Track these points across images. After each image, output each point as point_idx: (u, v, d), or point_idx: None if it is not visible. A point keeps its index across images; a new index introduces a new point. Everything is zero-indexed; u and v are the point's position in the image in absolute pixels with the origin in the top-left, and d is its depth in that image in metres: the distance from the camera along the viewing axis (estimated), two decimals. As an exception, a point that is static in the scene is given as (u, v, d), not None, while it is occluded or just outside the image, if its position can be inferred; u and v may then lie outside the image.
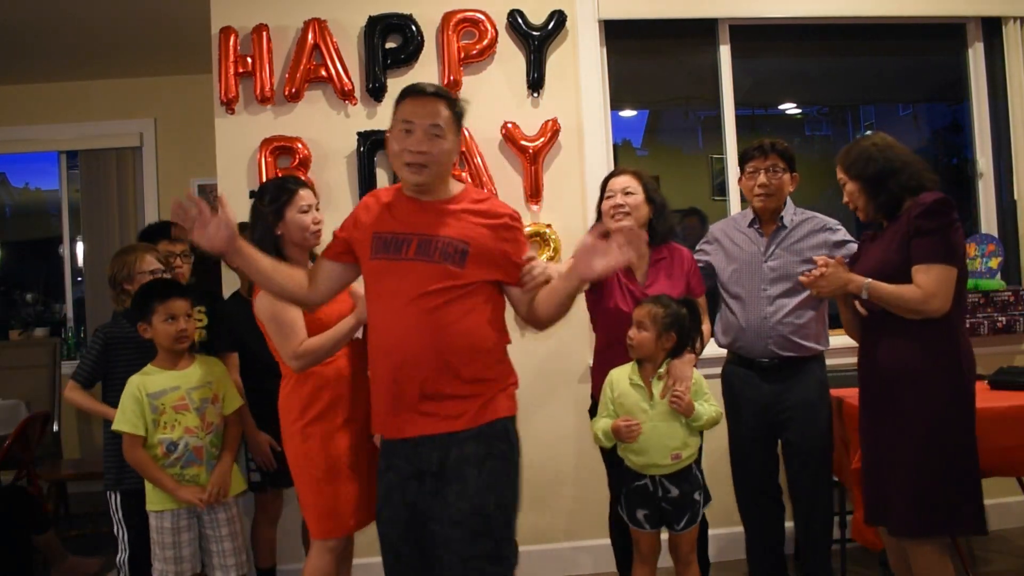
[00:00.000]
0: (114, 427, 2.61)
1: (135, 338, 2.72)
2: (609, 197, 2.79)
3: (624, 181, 2.79)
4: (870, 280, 2.34)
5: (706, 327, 2.80)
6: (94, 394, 2.88)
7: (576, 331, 3.06)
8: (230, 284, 3.39)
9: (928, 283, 2.27)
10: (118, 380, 2.75)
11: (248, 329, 2.73)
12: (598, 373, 2.79)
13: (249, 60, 3.45)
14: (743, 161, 2.97)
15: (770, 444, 2.92)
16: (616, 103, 3.83)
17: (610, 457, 2.74)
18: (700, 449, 2.65)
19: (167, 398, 2.60)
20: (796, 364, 2.85)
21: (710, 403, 2.61)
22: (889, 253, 2.37)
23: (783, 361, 2.85)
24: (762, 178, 2.88)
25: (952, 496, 2.30)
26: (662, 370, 2.59)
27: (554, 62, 3.60)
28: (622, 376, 2.64)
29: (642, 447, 2.55)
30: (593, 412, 2.82)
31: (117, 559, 2.76)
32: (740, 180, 3.00)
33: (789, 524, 3.00)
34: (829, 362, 2.99)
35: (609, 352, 2.77)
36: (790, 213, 2.95)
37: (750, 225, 2.98)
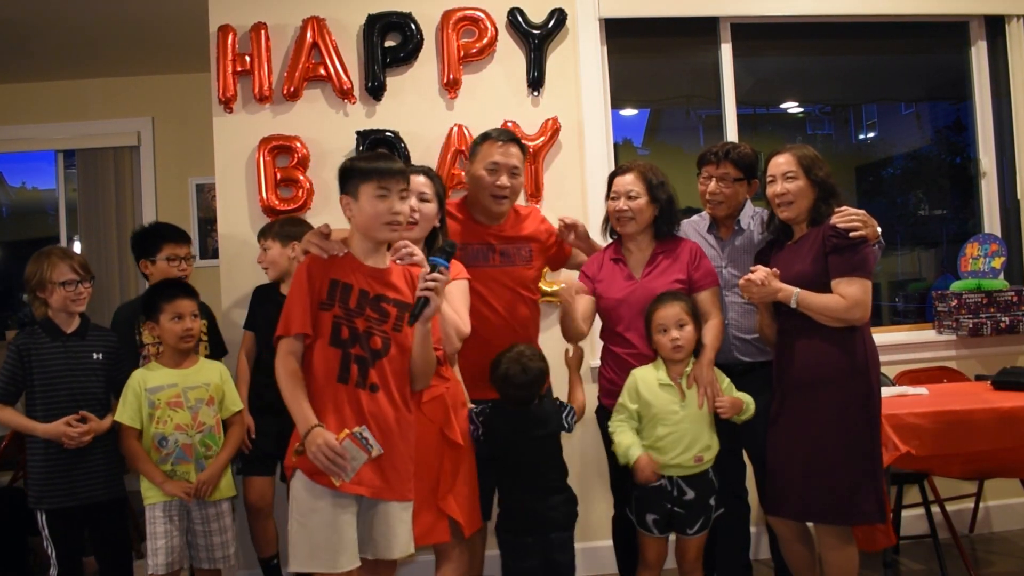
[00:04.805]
0: (115, 418, 2.67)
1: (53, 346, 2.70)
2: (614, 198, 2.75)
3: (628, 183, 2.72)
4: (799, 290, 2.49)
5: (716, 320, 2.70)
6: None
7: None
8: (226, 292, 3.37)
9: (852, 293, 2.46)
10: (38, 391, 2.69)
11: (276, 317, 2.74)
12: (606, 371, 2.76)
13: (247, 59, 3.43)
14: (699, 164, 2.89)
15: (735, 448, 2.83)
16: (617, 102, 3.81)
17: (616, 460, 2.69)
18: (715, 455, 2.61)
19: (163, 394, 2.67)
20: (763, 369, 2.75)
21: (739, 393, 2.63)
22: (806, 267, 2.53)
23: (747, 367, 2.80)
24: (712, 186, 2.82)
25: (869, 487, 2.47)
26: (689, 368, 2.57)
27: (554, 61, 3.59)
28: (648, 377, 2.58)
29: (668, 447, 2.53)
30: (600, 414, 2.78)
31: None
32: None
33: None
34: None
35: (609, 354, 2.75)
36: (747, 216, 2.88)
37: (708, 230, 2.92)
